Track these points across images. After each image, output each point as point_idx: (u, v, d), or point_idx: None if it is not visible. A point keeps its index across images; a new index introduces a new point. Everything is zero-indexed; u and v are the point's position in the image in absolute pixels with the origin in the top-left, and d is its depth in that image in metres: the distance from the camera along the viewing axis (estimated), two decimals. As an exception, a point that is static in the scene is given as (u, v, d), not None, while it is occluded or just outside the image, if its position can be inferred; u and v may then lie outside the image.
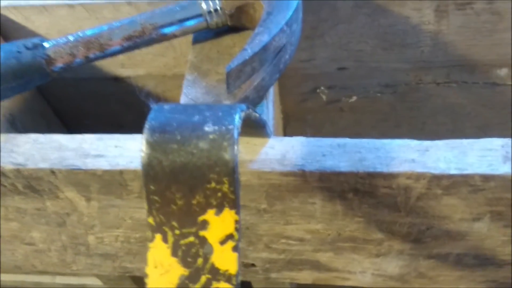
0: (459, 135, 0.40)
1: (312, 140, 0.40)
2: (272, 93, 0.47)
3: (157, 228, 0.29)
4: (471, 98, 0.60)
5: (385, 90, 0.60)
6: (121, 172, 0.40)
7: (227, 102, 0.41)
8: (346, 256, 0.50)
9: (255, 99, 0.41)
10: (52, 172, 0.41)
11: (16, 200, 0.46)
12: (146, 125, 0.28)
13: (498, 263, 0.47)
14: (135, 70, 0.60)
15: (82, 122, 0.68)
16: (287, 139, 0.40)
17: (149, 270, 0.29)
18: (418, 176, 0.37)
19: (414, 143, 0.38)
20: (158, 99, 0.62)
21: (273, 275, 0.56)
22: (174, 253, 0.28)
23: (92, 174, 0.41)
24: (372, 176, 0.37)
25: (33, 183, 0.43)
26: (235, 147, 0.27)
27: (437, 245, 0.45)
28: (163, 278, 0.28)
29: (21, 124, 0.59)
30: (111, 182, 0.42)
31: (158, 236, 0.29)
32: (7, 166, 0.41)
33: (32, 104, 0.62)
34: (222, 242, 0.28)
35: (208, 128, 0.27)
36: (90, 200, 0.45)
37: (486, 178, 0.36)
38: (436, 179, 0.37)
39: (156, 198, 0.28)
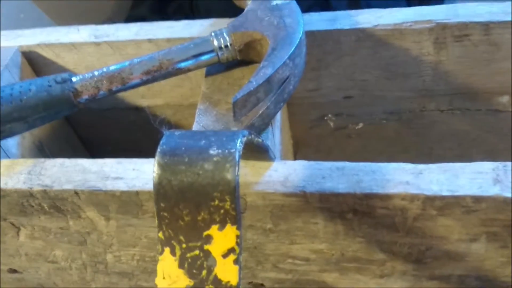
0: (467, 160, 0.42)
1: (313, 163, 0.42)
2: (279, 120, 0.51)
3: (166, 242, 0.31)
4: (475, 125, 0.62)
5: (390, 117, 0.62)
6: (137, 193, 0.44)
7: (235, 129, 0.45)
8: (351, 277, 0.52)
9: (261, 126, 0.44)
10: (76, 193, 0.45)
11: (42, 219, 0.50)
12: (158, 149, 0.32)
13: (499, 285, 0.49)
14: (154, 100, 0.64)
15: (105, 148, 0.72)
16: (290, 162, 0.43)
17: (158, 281, 0.32)
18: (413, 197, 0.39)
19: (408, 166, 0.41)
20: (174, 126, 0.66)
21: (282, 295, 0.58)
22: (181, 265, 0.31)
23: (112, 195, 0.44)
24: (369, 197, 0.40)
25: (58, 203, 0.46)
26: (237, 168, 0.30)
27: (438, 266, 0.47)
28: None
29: (49, 150, 0.64)
30: (128, 202, 0.45)
31: (167, 250, 0.31)
32: (35, 187, 0.45)
33: (59, 132, 0.67)
34: (225, 255, 0.31)
35: (212, 151, 0.31)
36: (109, 220, 0.48)
37: (477, 199, 0.38)
38: (429, 200, 0.39)
39: (165, 214, 0.31)
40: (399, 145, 0.66)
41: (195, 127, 0.46)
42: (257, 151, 0.41)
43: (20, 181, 0.46)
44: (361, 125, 0.63)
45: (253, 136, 0.35)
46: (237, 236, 0.31)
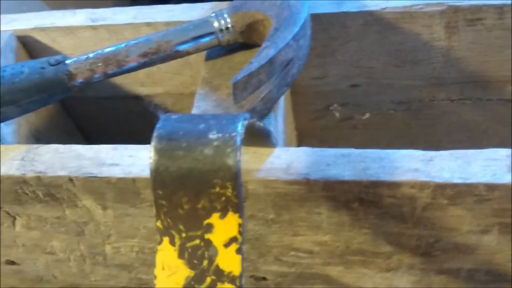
0: (477, 152, 0.40)
1: (317, 150, 0.41)
2: (282, 108, 0.49)
3: (165, 232, 0.30)
4: (486, 115, 0.60)
5: (398, 107, 0.60)
6: (134, 180, 0.42)
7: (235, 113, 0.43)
8: (356, 271, 0.50)
9: (263, 111, 0.42)
10: (71, 179, 0.43)
11: (37, 208, 0.48)
12: (155, 133, 0.30)
13: (510, 280, 0.47)
14: (154, 88, 0.62)
15: (103, 138, 0.71)
16: (293, 149, 0.41)
17: (157, 271, 0.30)
18: (422, 185, 0.37)
19: (418, 153, 0.39)
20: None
21: (285, 289, 0.56)
22: (180, 255, 0.30)
23: (107, 182, 0.43)
24: (375, 185, 0.38)
25: (53, 191, 0.45)
26: (238, 153, 0.28)
27: (447, 259, 0.45)
28: (170, 279, 0.30)
29: (46, 139, 0.62)
30: (125, 190, 0.43)
31: (166, 239, 0.30)
32: (29, 174, 0.43)
33: (57, 121, 0.65)
34: (226, 245, 0.29)
35: (212, 135, 0.29)
36: (106, 209, 0.47)
37: (490, 187, 0.36)
38: (440, 188, 0.37)
39: (163, 202, 0.30)
40: (407, 136, 0.64)
41: (194, 112, 0.44)
42: (258, 137, 0.39)
43: (13, 167, 0.44)
44: (367, 115, 0.61)
45: (254, 120, 0.34)
46: (240, 225, 0.29)
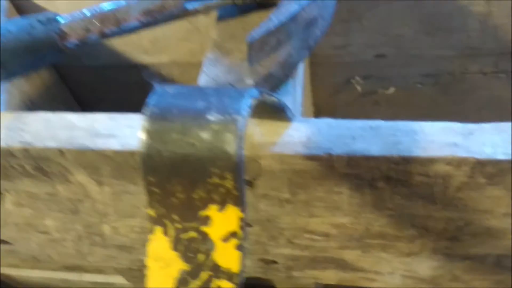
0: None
1: (342, 121, 0.36)
2: (301, 76, 0.44)
3: (158, 221, 0.27)
4: (520, 91, 0.55)
5: (426, 81, 0.55)
6: (132, 154, 0.38)
7: (249, 81, 0.38)
8: (374, 255, 0.46)
9: (281, 77, 0.38)
10: (61, 152, 0.38)
11: (26, 183, 0.44)
12: (146, 111, 0.26)
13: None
14: (159, 57, 0.58)
15: (102, 111, 0.66)
16: (314, 120, 0.37)
17: (150, 262, 0.28)
18: (460, 162, 0.32)
19: (457, 125, 0.34)
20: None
21: (295, 273, 0.52)
22: (174, 247, 0.27)
23: (103, 155, 0.38)
24: (407, 161, 0.33)
25: (42, 165, 0.41)
26: (240, 140, 0.25)
27: (475, 244, 0.41)
28: (163, 271, 0.28)
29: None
30: (122, 164, 0.39)
31: (159, 229, 0.28)
32: (15, 145, 0.39)
33: (54, 91, 0.61)
34: (225, 240, 0.27)
35: (211, 116, 0.25)
36: (102, 185, 0.42)
37: (538, 165, 0.32)
38: (480, 166, 0.32)
39: (156, 190, 0.27)
40: (432, 114, 0.59)
41: (202, 79, 0.40)
42: (271, 112, 0.34)
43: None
44: (392, 89, 0.56)
45: (265, 95, 0.29)
46: (241, 219, 0.26)
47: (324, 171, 0.36)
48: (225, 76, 0.39)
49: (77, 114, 0.40)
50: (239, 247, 0.26)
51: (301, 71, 0.43)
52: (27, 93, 0.56)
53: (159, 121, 0.26)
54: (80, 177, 0.42)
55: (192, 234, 0.27)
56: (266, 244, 0.48)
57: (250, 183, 0.39)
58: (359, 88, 0.57)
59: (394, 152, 0.33)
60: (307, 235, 0.45)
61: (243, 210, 0.26)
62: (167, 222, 0.27)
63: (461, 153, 0.32)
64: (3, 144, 0.39)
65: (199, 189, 0.26)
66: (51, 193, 0.45)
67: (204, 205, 0.26)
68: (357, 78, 0.56)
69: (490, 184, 0.34)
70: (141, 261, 0.55)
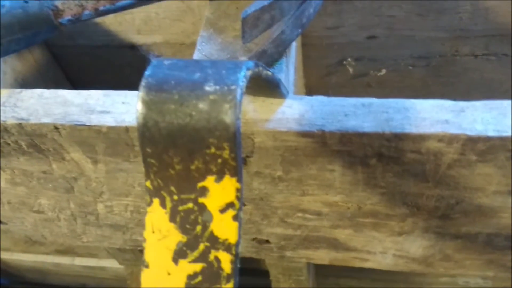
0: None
1: (334, 99, 0.36)
2: (294, 54, 0.44)
3: (155, 193, 0.27)
4: (510, 74, 0.55)
5: (417, 63, 0.56)
6: (127, 130, 0.38)
7: (243, 58, 0.38)
8: (366, 234, 0.46)
9: (274, 55, 0.38)
10: (56, 128, 0.39)
11: (21, 161, 0.44)
12: (142, 82, 0.26)
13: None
14: (152, 37, 0.58)
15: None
16: (307, 98, 0.37)
17: (147, 234, 0.28)
18: (451, 139, 0.33)
19: (448, 103, 0.35)
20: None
21: (288, 253, 0.52)
22: (172, 219, 0.27)
23: (98, 131, 0.38)
24: (399, 137, 0.34)
25: (37, 141, 0.41)
26: (238, 110, 0.25)
27: (466, 223, 0.41)
28: (161, 243, 0.28)
29: (34, 89, 0.57)
30: (117, 141, 0.39)
31: (156, 201, 0.28)
32: (9, 120, 0.39)
33: (46, 71, 0.60)
34: (222, 211, 0.27)
35: (209, 87, 0.25)
36: (97, 163, 0.42)
37: (528, 142, 0.32)
38: (471, 143, 0.33)
39: (153, 161, 0.27)
40: (423, 96, 0.60)
41: (196, 56, 0.40)
42: (266, 86, 0.35)
43: None
44: (383, 71, 0.57)
45: (260, 68, 0.29)
46: (237, 190, 0.26)
47: (316, 148, 0.36)
48: (218, 53, 0.39)
49: (72, 91, 0.40)
50: (236, 218, 0.27)
51: (294, 51, 0.43)
52: (20, 72, 0.56)
53: (156, 92, 0.26)
54: (75, 154, 0.42)
55: (190, 205, 0.27)
56: (259, 223, 0.48)
57: (244, 161, 0.40)
58: (351, 69, 0.57)
59: (386, 129, 0.34)
60: (299, 214, 0.46)
61: (239, 181, 0.26)
62: (164, 194, 0.27)
63: (453, 130, 0.33)
64: (-4, 120, 0.39)
65: (196, 160, 0.26)
66: (46, 171, 0.45)
67: (202, 176, 0.26)
68: (349, 59, 0.56)
69: (481, 161, 0.35)
70: (135, 241, 0.55)
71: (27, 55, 0.57)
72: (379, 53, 0.55)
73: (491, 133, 0.32)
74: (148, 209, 0.28)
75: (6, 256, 1.05)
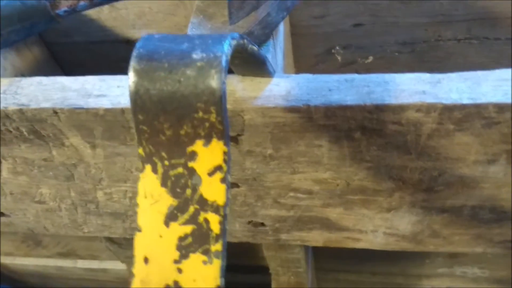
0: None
1: (319, 76, 0.38)
2: (282, 39, 0.46)
3: (147, 159, 0.29)
4: (492, 57, 0.57)
5: (402, 49, 0.58)
6: (122, 111, 0.40)
7: (231, 40, 0.40)
8: (356, 212, 0.48)
9: (260, 36, 0.40)
10: (55, 112, 0.40)
11: (22, 149, 0.46)
12: (134, 53, 0.28)
13: (516, 219, 0.45)
14: (146, 31, 0.60)
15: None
16: (293, 76, 0.39)
17: (140, 200, 0.29)
18: (429, 108, 0.35)
19: (425, 75, 0.36)
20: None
21: (283, 236, 0.54)
22: (163, 184, 0.29)
23: (95, 114, 0.40)
24: (380, 109, 0.36)
25: (37, 127, 0.42)
26: (223, 75, 0.26)
27: (450, 195, 0.43)
28: (153, 207, 0.29)
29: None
30: (113, 123, 0.41)
31: (148, 167, 0.29)
32: (10, 107, 0.41)
33: (45, 68, 0.62)
34: (211, 174, 0.28)
35: (196, 55, 0.27)
36: (95, 148, 0.44)
37: (500, 108, 0.34)
38: (447, 111, 0.35)
39: (145, 128, 0.28)
40: (411, 82, 0.62)
41: (187, 41, 0.42)
42: (253, 63, 0.36)
43: None
44: (371, 58, 0.59)
45: (245, 41, 0.31)
46: (225, 153, 0.28)
47: (303, 124, 0.38)
48: (208, 38, 0.41)
49: (69, 77, 0.42)
50: (224, 180, 0.28)
51: (282, 36, 0.46)
52: (19, 68, 0.58)
53: (147, 61, 0.27)
54: (74, 139, 0.44)
55: (180, 170, 0.28)
56: (253, 205, 0.50)
57: (235, 140, 0.41)
58: (339, 58, 0.59)
59: (367, 101, 0.36)
60: (291, 194, 0.47)
61: (226, 144, 0.28)
62: (156, 160, 0.28)
63: (429, 100, 0.35)
64: (-1, 107, 0.41)
65: (185, 125, 0.27)
66: (46, 159, 0.46)
67: (191, 141, 0.28)
68: (337, 48, 0.58)
69: (459, 130, 0.36)
70: (134, 229, 0.56)
71: (26, 52, 0.59)
72: (365, 40, 0.57)
73: (465, 101, 0.34)
74: (141, 175, 0.29)
75: (8, 260, 1.05)
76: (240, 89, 0.38)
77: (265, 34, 0.40)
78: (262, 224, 0.53)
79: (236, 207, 0.51)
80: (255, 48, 0.33)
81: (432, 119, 0.36)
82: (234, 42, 0.28)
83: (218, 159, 0.28)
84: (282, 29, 0.45)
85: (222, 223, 0.28)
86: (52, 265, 1.08)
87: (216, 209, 0.28)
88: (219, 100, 0.26)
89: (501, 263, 0.89)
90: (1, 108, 0.41)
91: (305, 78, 0.38)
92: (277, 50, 0.43)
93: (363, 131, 0.38)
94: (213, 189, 0.28)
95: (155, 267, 0.28)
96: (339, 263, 1.02)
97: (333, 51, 0.59)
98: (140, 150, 0.29)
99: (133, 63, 0.27)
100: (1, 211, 0.57)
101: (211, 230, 0.28)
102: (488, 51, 0.57)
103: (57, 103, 0.40)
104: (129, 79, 0.27)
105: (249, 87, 0.38)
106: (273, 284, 0.79)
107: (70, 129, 0.42)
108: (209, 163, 0.28)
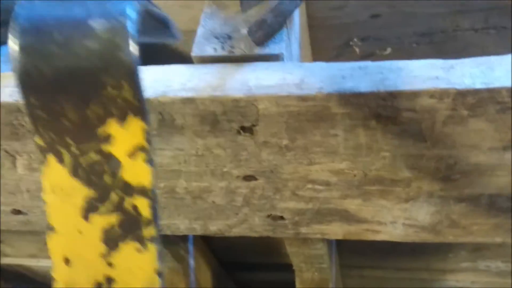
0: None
1: (332, 64, 0.39)
2: (297, 29, 0.46)
3: (49, 148, 0.25)
4: (510, 46, 0.56)
5: (421, 40, 0.57)
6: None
7: (244, 30, 0.41)
8: (375, 203, 0.48)
9: (274, 25, 0.40)
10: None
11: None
12: (13, 25, 0.23)
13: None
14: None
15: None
16: (307, 64, 0.39)
17: (47, 196, 0.26)
18: (442, 94, 0.35)
19: (438, 62, 0.36)
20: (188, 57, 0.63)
21: (303, 229, 0.54)
22: (74, 174, 0.25)
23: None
24: (393, 95, 0.36)
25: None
26: (131, 43, 0.23)
27: (467, 184, 0.43)
28: (66, 202, 0.26)
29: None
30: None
31: (51, 157, 0.25)
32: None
33: None
34: (131, 155, 0.25)
35: (94, 23, 0.23)
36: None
37: (515, 92, 0.34)
38: (461, 96, 0.35)
39: (41, 113, 0.24)
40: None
41: (199, 31, 0.43)
42: (154, 27, 0.32)
43: (6, 94, 0.41)
44: (389, 50, 0.59)
45: (148, 2, 0.27)
46: (145, 130, 0.25)
47: (318, 112, 0.39)
48: (221, 27, 0.42)
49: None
50: (148, 161, 0.25)
51: (297, 26, 0.46)
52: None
53: (33, 33, 0.23)
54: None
55: (93, 156, 0.25)
56: (272, 198, 0.50)
57: (250, 130, 0.42)
58: (357, 50, 0.59)
59: (381, 88, 0.36)
60: (309, 186, 0.48)
61: (144, 119, 0.24)
62: (60, 148, 0.25)
63: (443, 85, 0.35)
64: (10, 100, 0.41)
65: (93, 104, 0.24)
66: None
67: (101, 121, 0.24)
68: (355, 39, 0.58)
69: (473, 116, 0.36)
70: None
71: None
72: (383, 32, 0.57)
73: (478, 86, 0.34)
74: (43, 168, 0.25)
75: (32, 263, 1.05)
76: (254, 78, 0.39)
77: (278, 22, 0.40)
78: (282, 218, 0.53)
79: (255, 201, 0.51)
80: (159, 10, 0.30)
81: (446, 105, 0.36)
82: (137, 5, 0.24)
83: (139, 138, 0.25)
84: (298, 20, 0.46)
85: (152, 207, 0.25)
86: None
87: (142, 192, 0.25)
88: (131, 72, 0.23)
89: (524, 256, 0.87)
90: (12, 101, 0.41)
91: (319, 66, 0.39)
92: (291, 40, 0.44)
93: (378, 119, 0.38)
94: (136, 172, 0.25)
95: (79, 266, 0.26)
96: (363, 259, 1.01)
97: (351, 43, 0.59)
98: (38, 139, 0.25)
99: (15, 38, 0.23)
100: (18, 208, 0.56)
101: (141, 215, 0.25)
102: (505, 41, 0.56)
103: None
104: (13, 57, 0.23)
105: (262, 75, 0.39)
106: (297, 281, 0.79)
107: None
108: (128, 143, 0.25)
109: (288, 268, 0.81)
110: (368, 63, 0.37)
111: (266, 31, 0.37)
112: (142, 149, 0.25)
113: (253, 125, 0.41)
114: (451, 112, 0.36)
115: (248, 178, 0.47)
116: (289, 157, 0.44)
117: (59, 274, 0.26)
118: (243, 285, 1.12)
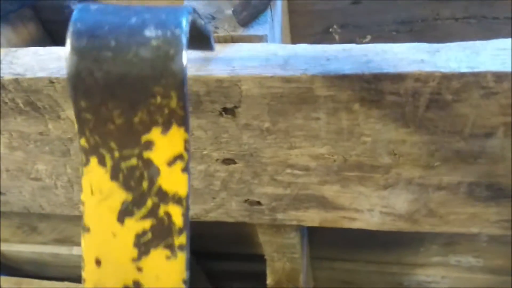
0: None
1: (317, 46, 0.38)
2: (279, 12, 0.46)
3: (92, 151, 0.26)
4: (490, 36, 0.57)
5: (401, 28, 0.57)
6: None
7: (228, 11, 0.40)
8: (353, 189, 0.48)
9: (259, 6, 0.40)
10: (51, 81, 0.40)
11: (18, 122, 0.45)
12: (70, 28, 0.24)
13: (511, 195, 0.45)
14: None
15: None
16: (291, 46, 0.39)
17: (85, 196, 0.26)
18: (427, 77, 0.35)
19: (424, 45, 0.36)
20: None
21: (279, 215, 0.54)
22: (114, 177, 0.26)
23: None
24: (378, 78, 0.35)
25: (33, 98, 0.42)
26: (184, 56, 0.24)
27: (447, 171, 0.43)
28: (103, 204, 0.26)
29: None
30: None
31: (94, 159, 0.26)
32: (6, 76, 0.40)
33: (40, 45, 0.62)
34: (170, 164, 0.26)
35: (149, 33, 0.24)
36: (91, 120, 0.44)
37: (499, 77, 0.34)
38: (446, 80, 0.35)
39: (88, 116, 0.25)
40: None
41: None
42: (197, 38, 0.33)
43: None
44: (369, 37, 0.59)
45: (196, 15, 0.28)
46: (186, 141, 0.25)
47: (301, 94, 0.38)
48: (205, 8, 0.41)
49: (64, 47, 0.42)
50: (185, 170, 0.26)
51: (279, 8, 0.45)
52: (14, 44, 0.57)
53: (88, 38, 0.24)
54: (70, 112, 0.43)
55: (134, 161, 0.25)
56: (250, 182, 0.50)
57: (232, 112, 0.41)
58: (337, 37, 0.59)
59: (365, 70, 0.35)
60: (288, 170, 0.47)
61: (187, 130, 0.25)
62: (103, 151, 0.25)
63: (428, 68, 0.35)
64: (-8, 77, 0.40)
65: (140, 111, 0.24)
66: (42, 132, 0.46)
67: (146, 129, 0.25)
68: (335, 27, 0.58)
69: (457, 101, 0.36)
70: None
71: (22, 29, 0.58)
72: (363, 19, 0.57)
73: (464, 69, 0.34)
74: (85, 169, 0.26)
75: (4, 247, 1.04)
76: (237, 58, 0.38)
77: (263, 3, 0.40)
78: (259, 203, 0.53)
79: (232, 185, 0.50)
80: (203, 22, 0.31)
81: (430, 89, 0.35)
82: (190, 17, 0.25)
83: (179, 148, 0.25)
84: (280, 4, 0.45)
85: (185, 215, 0.26)
86: (48, 252, 1.07)
87: (178, 200, 0.26)
88: (180, 83, 0.24)
89: (496, 252, 0.89)
90: None
91: (303, 47, 0.38)
92: (275, 23, 0.43)
93: (361, 102, 0.38)
94: (173, 180, 0.26)
95: (109, 268, 0.26)
96: (334, 251, 1.02)
97: (330, 30, 0.59)
98: (83, 141, 0.26)
99: (71, 41, 0.24)
100: (-3, 188, 0.56)
101: (173, 223, 0.26)
102: (486, 30, 0.56)
103: (53, 72, 0.40)
104: (68, 60, 0.24)
105: (246, 56, 0.38)
106: (268, 271, 0.79)
107: (66, 100, 0.42)
108: (168, 152, 0.25)
109: (259, 258, 0.81)
110: (353, 46, 0.37)
111: (251, 12, 0.36)
112: (181, 158, 0.25)
113: (235, 107, 0.40)
114: (436, 96, 0.36)
115: (227, 161, 0.46)
116: (269, 141, 0.44)
117: (90, 274, 0.26)
118: (213, 275, 1.11)
